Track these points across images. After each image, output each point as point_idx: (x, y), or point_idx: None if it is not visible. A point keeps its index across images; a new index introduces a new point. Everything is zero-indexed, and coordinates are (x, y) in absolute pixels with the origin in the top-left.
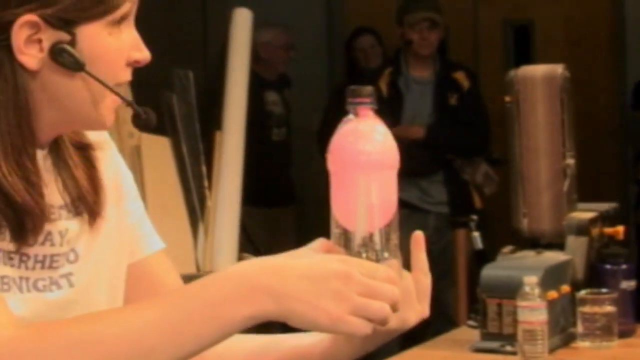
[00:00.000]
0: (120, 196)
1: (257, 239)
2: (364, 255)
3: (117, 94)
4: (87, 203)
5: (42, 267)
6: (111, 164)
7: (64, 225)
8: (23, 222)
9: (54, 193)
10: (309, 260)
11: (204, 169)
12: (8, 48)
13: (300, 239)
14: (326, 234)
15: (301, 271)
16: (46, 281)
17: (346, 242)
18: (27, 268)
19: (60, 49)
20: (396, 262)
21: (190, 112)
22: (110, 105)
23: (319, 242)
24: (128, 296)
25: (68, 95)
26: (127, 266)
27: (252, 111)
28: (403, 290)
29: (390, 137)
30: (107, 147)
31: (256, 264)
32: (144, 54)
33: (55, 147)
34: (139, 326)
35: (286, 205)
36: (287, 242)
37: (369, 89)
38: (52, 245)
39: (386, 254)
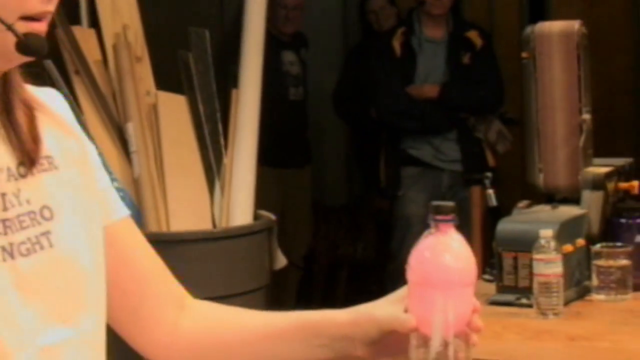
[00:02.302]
0: (86, 159)
1: (272, 199)
2: None
3: None
4: (26, 150)
5: (21, 229)
6: (72, 127)
7: (16, 186)
8: None
9: (4, 153)
10: None
11: (220, 126)
12: None
13: (315, 200)
14: (340, 196)
15: None
16: (27, 244)
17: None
18: (6, 234)
19: None
20: None
21: (207, 71)
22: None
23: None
24: None
25: None
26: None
27: (269, 71)
28: None
29: (470, 254)
30: (64, 111)
31: None
32: None
33: (4, 102)
34: None
35: (302, 166)
36: (301, 203)
37: (451, 206)
38: (12, 206)
39: None
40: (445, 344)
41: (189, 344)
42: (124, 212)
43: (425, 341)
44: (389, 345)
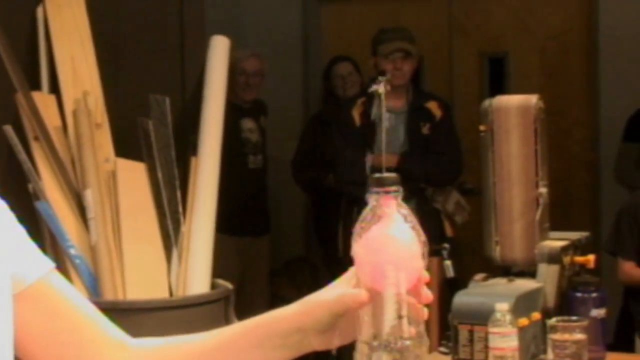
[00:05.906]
0: None
1: (230, 268)
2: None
3: None
4: None
5: None
6: None
7: None
8: None
9: None
10: None
11: (179, 194)
12: None
13: (273, 269)
14: (298, 264)
15: None
16: None
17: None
18: None
19: None
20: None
21: (167, 138)
22: None
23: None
24: (29, 321)
25: None
26: (18, 294)
27: (228, 139)
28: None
29: (415, 224)
30: None
31: None
32: None
33: None
34: None
35: (261, 235)
36: (259, 272)
37: (393, 177)
38: None
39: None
40: (399, 318)
41: None
42: (48, 265)
43: (377, 316)
44: (342, 329)
